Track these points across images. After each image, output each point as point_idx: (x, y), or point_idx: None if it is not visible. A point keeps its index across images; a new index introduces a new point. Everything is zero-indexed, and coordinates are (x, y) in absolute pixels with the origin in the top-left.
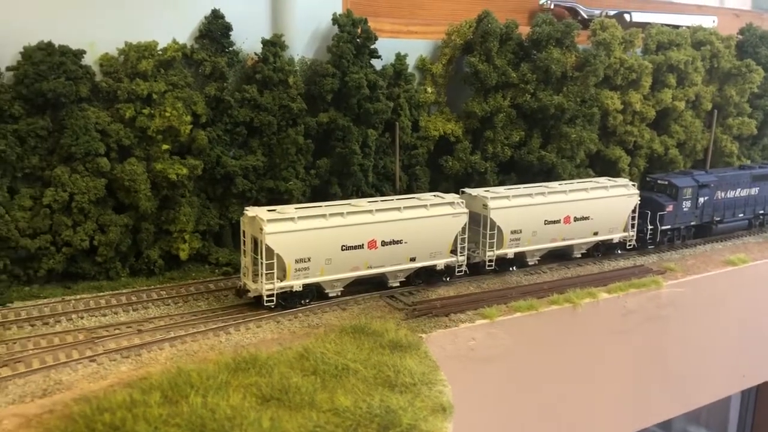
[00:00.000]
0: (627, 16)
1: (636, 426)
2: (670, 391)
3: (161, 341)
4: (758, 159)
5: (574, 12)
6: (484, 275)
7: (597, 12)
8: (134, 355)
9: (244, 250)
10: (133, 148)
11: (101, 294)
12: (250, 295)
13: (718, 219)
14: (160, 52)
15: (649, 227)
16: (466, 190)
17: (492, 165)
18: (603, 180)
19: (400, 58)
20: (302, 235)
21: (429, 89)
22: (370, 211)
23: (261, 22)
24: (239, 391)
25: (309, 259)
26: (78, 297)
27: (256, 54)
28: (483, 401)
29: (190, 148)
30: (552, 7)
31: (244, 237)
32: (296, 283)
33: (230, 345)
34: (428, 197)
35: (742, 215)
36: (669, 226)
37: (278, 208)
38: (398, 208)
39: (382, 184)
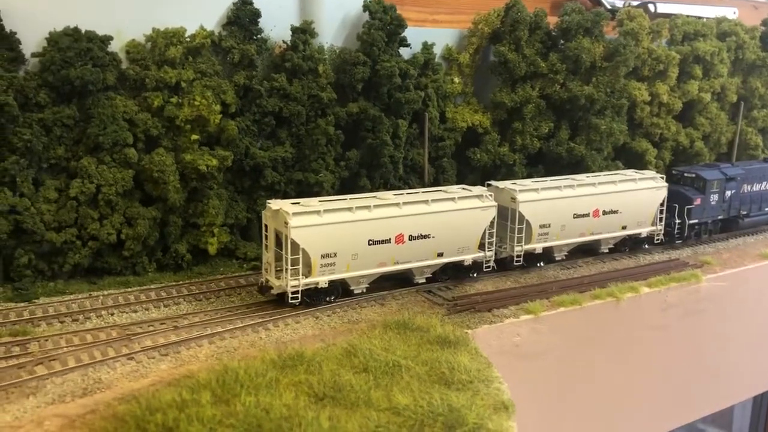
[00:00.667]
0: (651, 7)
1: (675, 423)
2: (709, 387)
3: (199, 338)
4: None
5: (596, 2)
6: (518, 270)
7: (619, 2)
8: (173, 353)
9: (266, 245)
10: (160, 139)
11: (129, 289)
12: (274, 292)
13: (745, 213)
14: (188, 39)
15: (677, 221)
16: (493, 182)
17: (520, 157)
18: (630, 172)
19: (427, 47)
20: (328, 229)
21: (456, 79)
22: (397, 204)
23: (289, 9)
24: (290, 389)
25: (335, 254)
26: (106, 293)
27: (284, 42)
28: (529, 398)
29: (218, 138)
30: None
31: (266, 231)
32: (322, 280)
33: (271, 341)
34: (455, 190)
35: None
36: (697, 220)
37: (302, 200)
38: (426, 201)
39: (408, 177)
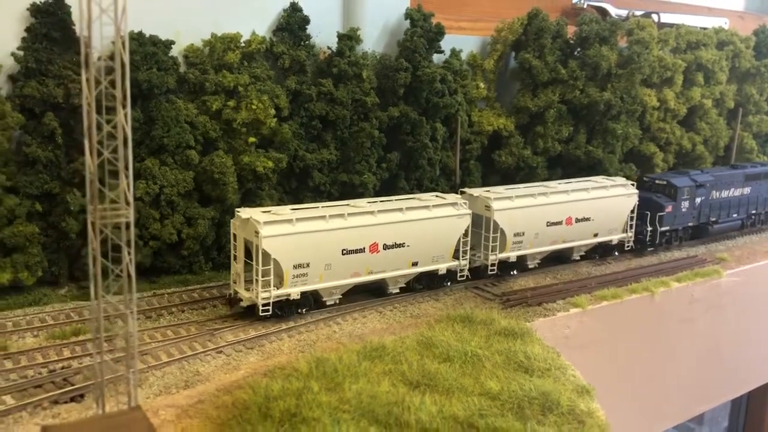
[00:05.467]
0: (655, 17)
1: (703, 407)
2: (730, 374)
3: (278, 332)
4: None
5: (603, 12)
6: (554, 267)
7: (624, 12)
8: (258, 346)
9: (235, 255)
10: (217, 141)
11: (191, 288)
12: (243, 304)
13: (714, 219)
14: (243, 45)
15: (649, 228)
16: (467, 190)
17: (542, 159)
18: (601, 179)
19: (455, 54)
20: (301, 239)
21: (481, 84)
22: (371, 212)
23: (333, 17)
24: (384, 377)
25: (308, 265)
26: (170, 291)
27: (329, 48)
28: None
29: (271, 141)
30: (585, 6)
31: (234, 241)
32: (294, 291)
33: (344, 334)
34: (429, 197)
35: (736, 215)
36: (668, 227)
37: (273, 209)
38: (400, 209)
39: (438, 179)
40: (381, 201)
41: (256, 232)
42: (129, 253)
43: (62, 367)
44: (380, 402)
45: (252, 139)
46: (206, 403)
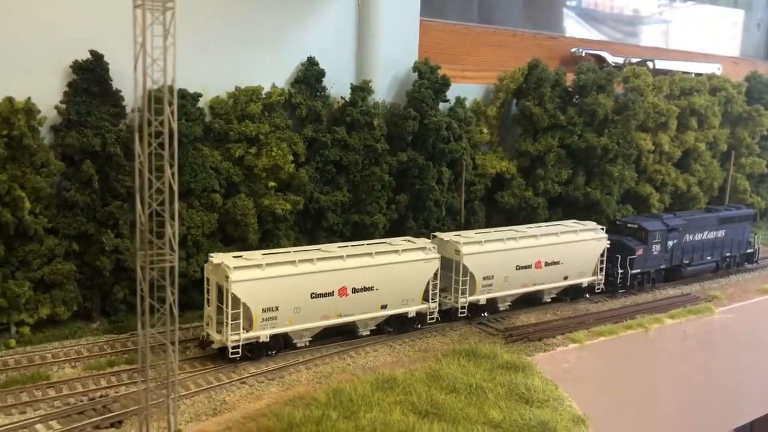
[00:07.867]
0: (650, 64)
1: None
2: (720, 409)
3: (296, 364)
4: (766, 195)
5: (601, 59)
6: (554, 304)
7: (621, 60)
8: (278, 378)
9: (208, 299)
10: (239, 185)
11: None
12: (214, 346)
13: (687, 262)
14: (264, 96)
15: (619, 271)
16: (438, 234)
17: (543, 201)
18: (571, 223)
19: (460, 102)
20: (270, 283)
21: (484, 130)
22: (341, 257)
23: (347, 69)
24: (395, 407)
25: (277, 308)
26: (195, 325)
27: (342, 98)
28: None
29: (289, 184)
30: (583, 54)
31: (208, 285)
32: (263, 334)
33: (358, 367)
34: (399, 242)
35: (710, 258)
36: (639, 270)
37: (245, 254)
38: (370, 254)
39: (444, 219)
40: (351, 245)
41: (226, 277)
42: (173, 293)
43: (101, 396)
44: (392, 429)
45: (272, 183)
46: (234, 430)
